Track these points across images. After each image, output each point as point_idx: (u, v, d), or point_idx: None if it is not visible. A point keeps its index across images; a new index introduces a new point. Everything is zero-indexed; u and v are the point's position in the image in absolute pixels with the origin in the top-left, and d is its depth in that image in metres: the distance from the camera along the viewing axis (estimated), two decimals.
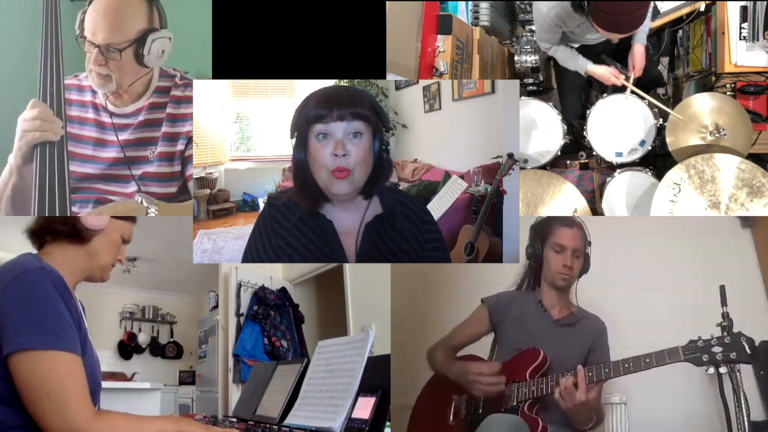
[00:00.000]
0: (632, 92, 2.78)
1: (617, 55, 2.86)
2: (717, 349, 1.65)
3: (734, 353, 1.64)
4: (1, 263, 1.34)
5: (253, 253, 1.58)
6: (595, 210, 2.88)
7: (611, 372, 1.78)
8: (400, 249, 1.60)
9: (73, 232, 1.42)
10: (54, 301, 1.27)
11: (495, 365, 1.99)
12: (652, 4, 2.48)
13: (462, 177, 3.97)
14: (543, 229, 2.11)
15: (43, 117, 1.83)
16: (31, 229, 1.44)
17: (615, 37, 2.51)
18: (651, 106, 2.85)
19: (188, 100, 2.12)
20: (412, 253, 1.61)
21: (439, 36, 2.72)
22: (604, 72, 2.74)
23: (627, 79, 2.74)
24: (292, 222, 1.56)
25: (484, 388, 1.94)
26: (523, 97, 2.99)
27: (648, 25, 2.73)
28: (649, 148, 2.85)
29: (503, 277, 2.29)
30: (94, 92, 2.11)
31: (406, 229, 1.60)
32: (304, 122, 1.49)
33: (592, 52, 2.83)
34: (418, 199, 1.90)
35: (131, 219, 1.55)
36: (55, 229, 1.42)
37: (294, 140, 1.53)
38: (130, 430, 1.27)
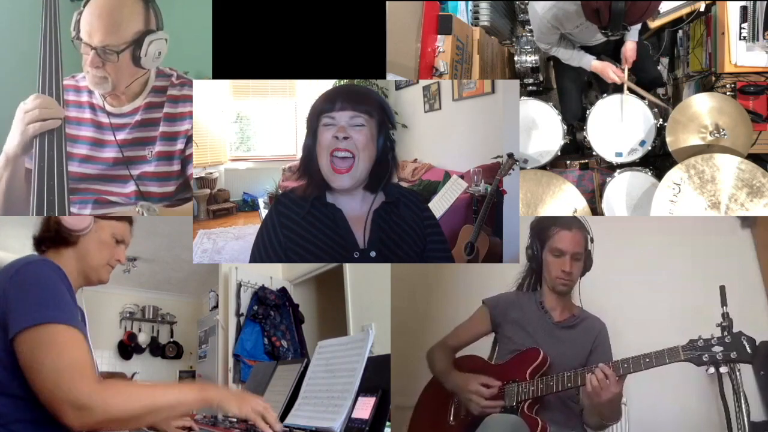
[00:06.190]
0: (630, 90, 2.80)
1: (616, 55, 2.87)
2: (717, 349, 1.64)
3: (735, 353, 1.63)
4: (1, 263, 1.35)
5: (261, 251, 1.58)
6: (595, 210, 2.88)
7: (630, 366, 1.75)
8: (406, 234, 1.64)
9: (57, 237, 1.44)
10: (55, 284, 1.28)
11: (494, 386, 1.94)
12: None
13: (462, 177, 3.96)
14: (542, 230, 2.10)
15: (42, 106, 1.84)
16: (34, 239, 1.48)
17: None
18: (651, 105, 2.85)
19: (185, 99, 2.11)
20: (417, 240, 1.66)
21: (439, 36, 2.72)
22: (605, 67, 2.81)
23: (622, 72, 2.81)
24: (300, 215, 1.58)
25: (482, 410, 1.92)
26: (523, 97, 2.99)
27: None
28: (649, 148, 2.85)
29: (503, 277, 2.28)
30: (90, 93, 2.10)
31: (408, 217, 1.67)
32: (313, 115, 1.60)
33: (591, 54, 2.84)
34: (415, 192, 1.93)
35: (124, 219, 1.55)
36: (43, 237, 1.45)
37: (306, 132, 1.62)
38: (141, 399, 1.22)
